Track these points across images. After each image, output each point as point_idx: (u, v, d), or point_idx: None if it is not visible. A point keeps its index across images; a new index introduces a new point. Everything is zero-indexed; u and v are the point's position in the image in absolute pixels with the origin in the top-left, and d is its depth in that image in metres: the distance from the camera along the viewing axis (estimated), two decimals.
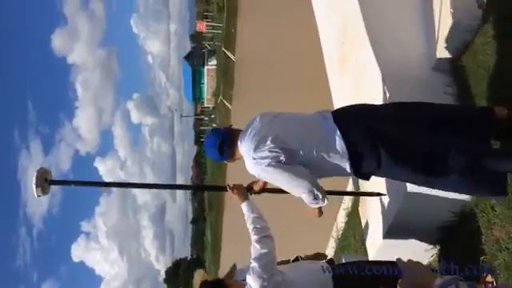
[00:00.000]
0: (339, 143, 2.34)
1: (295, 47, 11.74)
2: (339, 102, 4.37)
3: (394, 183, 3.04)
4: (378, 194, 3.33)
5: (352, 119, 2.43)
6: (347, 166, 2.36)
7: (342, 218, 5.44)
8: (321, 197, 2.42)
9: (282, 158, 2.35)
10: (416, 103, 2.50)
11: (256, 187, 2.79)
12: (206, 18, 45.13)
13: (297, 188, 2.41)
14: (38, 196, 2.70)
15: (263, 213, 2.57)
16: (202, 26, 43.16)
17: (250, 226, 2.49)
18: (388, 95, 3.22)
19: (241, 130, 2.54)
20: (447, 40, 3.17)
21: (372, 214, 3.76)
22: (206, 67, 46.23)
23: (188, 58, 49.65)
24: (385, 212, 3.42)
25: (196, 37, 51.28)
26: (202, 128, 55.24)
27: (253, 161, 2.42)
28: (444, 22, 3.18)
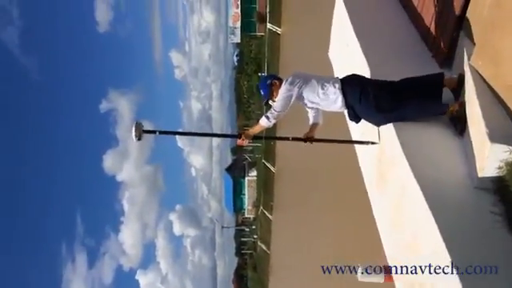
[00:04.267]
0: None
1: (334, 162, 11.89)
2: (381, 221, 4.29)
3: None
4: (372, 143, 4.13)
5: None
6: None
7: None
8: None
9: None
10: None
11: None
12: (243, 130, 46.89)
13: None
14: (138, 140, 3.70)
15: None
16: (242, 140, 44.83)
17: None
18: (431, 215, 3.15)
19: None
20: (486, 159, 3.15)
21: None
22: (246, 178, 46.99)
23: (229, 169, 50.88)
24: None
25: (237, 150, 53.04)
26: (242, 239, 54.33)
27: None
28: (481, 141, 3.19)
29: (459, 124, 3.58)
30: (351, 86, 3.88)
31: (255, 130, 4.02)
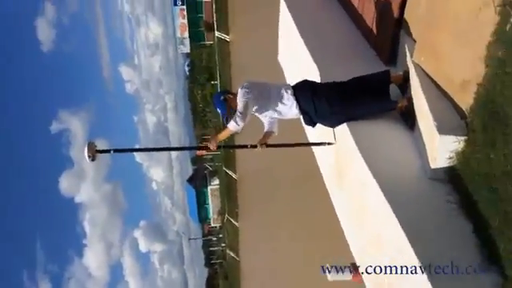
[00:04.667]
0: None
1: (295, 164, 12.01)
2: (344, 219, 4.36)
3: None
4: (329, 143, 4.19)
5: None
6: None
7: None
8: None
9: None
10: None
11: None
12: (206, 141, 46.70)
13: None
14: (92, 161, 3.60)
15: None
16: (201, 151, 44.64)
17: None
18: (391, 210, 3.23)
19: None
20: (437, 150, 3.27)
21: None
22: (209, 188, 46.64)
23: (191, 180, 50.25)
24: None
25: (197, 160, 52.58)
26: (211, 249, 53.81)
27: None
28: (430, 133, 3.31)
29: (409, 119, 3.71)
30: (303, 91, 3.94)
31: (224, 134, 3.97)
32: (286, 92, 3.94)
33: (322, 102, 3.87)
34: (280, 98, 3.94)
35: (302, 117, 4.08)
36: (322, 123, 4.10)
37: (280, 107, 3.97)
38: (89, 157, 3.58)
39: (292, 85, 4.06)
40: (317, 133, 4.62)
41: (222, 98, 4.07)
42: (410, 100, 3.66)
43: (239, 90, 3.97)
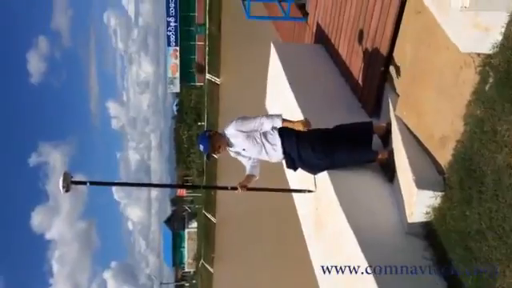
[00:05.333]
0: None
1: (276, 210, 11.91)
2: (319, 269, 4.27)
3: None
4: (309, 191, 4.20)
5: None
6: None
7: None
8: None
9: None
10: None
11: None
12: (187, 183, 46.29)
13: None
14: (66, 192, 3.52)
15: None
16: (182, 191, 44.13)
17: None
18: (368, 262, 3.18)
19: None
20: (415, 205, 3.27)
21: None
22: (186, 230, 45.71)
23: (168, 221, 49.30)
24: None
25: (177, 201, 51.85)
26: None
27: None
28: (409, 187, 3.33)
29: (389, 171, 3.73)
30: (288, 134, 3.96)
31: (289, 124, 3.95)
32: (273, 132, 3.96)
33: (306, 147, 3.89)
34: (270, 139, 3.95)
35: (284, 160, 4.07)
36: (304, 169, 4.09)
37: (268, 148, 3.95)
38: (63, 187, 3.48)
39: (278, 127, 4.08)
40: (298, 179, 4.61)
41: (207, 134, 4.05)
42: (391, 153, 3.70)
43: (235, 122, 3.99)
